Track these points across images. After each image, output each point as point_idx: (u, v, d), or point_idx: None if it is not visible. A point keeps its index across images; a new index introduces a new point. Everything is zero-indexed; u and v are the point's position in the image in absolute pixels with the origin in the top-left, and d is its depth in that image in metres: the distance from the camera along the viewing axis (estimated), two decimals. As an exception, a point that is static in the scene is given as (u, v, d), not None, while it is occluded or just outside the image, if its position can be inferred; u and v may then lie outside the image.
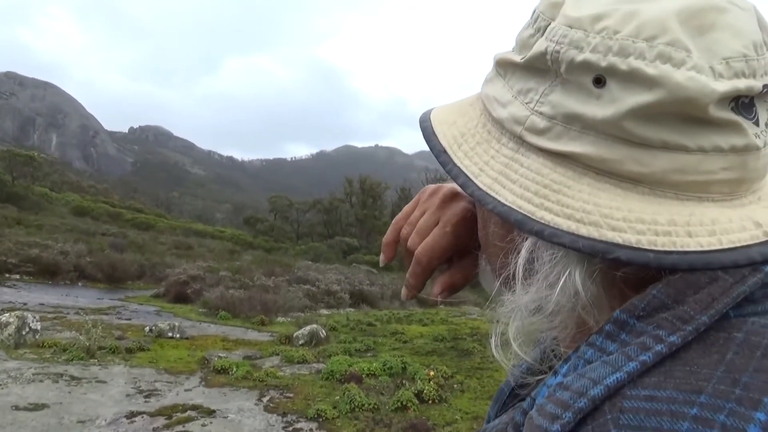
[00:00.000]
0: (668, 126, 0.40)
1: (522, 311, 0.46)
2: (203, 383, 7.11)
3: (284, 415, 6.00)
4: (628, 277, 0.42)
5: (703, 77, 0.38)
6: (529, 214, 0.42)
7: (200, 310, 14.11)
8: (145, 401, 6.17)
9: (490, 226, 0.53)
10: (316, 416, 5.88)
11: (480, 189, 0.46)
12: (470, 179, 0.47)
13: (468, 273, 0.64)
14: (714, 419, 0.33)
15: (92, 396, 6.17)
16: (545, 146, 0.44)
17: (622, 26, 0.40)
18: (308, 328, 10.54)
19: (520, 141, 0.46)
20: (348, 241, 44.73)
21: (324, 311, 15.72)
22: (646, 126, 0.40)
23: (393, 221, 0.69)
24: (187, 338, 9.95)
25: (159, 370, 7.58)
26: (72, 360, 7.56)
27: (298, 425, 5.71)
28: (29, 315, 8.72)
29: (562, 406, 0.38)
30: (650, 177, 0.41)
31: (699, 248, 0.39)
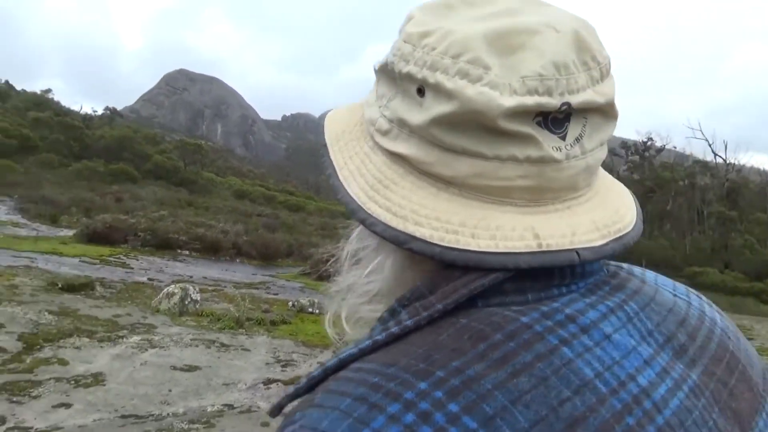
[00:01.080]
0: (467, 134, 0.43)
1: (348, 292, 0.52)
2: (335, 357, 7.53)
3: (408, 392, 6.17)
4: (438, 268, 0.45)
5: (495, 93, 0.41)
6: (362, 204, 0.47)
7: (340, 287, 14.92)
8: (282, 370, 6.70)
9: None
10: (438, 396, 5.98)
11: (338, 180, 0.50)
12: (335, 171, 0.51)
13: None
14: (385, 386, 0.37)
15: (237, 362, 6.84)
16: (385, 146, 0.48)
17: (438, 44, 0.44)
18: (439, 309, 10.67)
19: (373, 140, 0.50)
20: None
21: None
22: (448, 133, 0.43)
23: None
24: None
25: (297, 342, 8.18)
26: (224, 329, 8.43)
27: (420, 404, 5.84)
28: (191, 287, 9.86)
29: (306, 375, 0.43)
30: (456, 180, 0.45)
31: (477, 248, 0.42)
